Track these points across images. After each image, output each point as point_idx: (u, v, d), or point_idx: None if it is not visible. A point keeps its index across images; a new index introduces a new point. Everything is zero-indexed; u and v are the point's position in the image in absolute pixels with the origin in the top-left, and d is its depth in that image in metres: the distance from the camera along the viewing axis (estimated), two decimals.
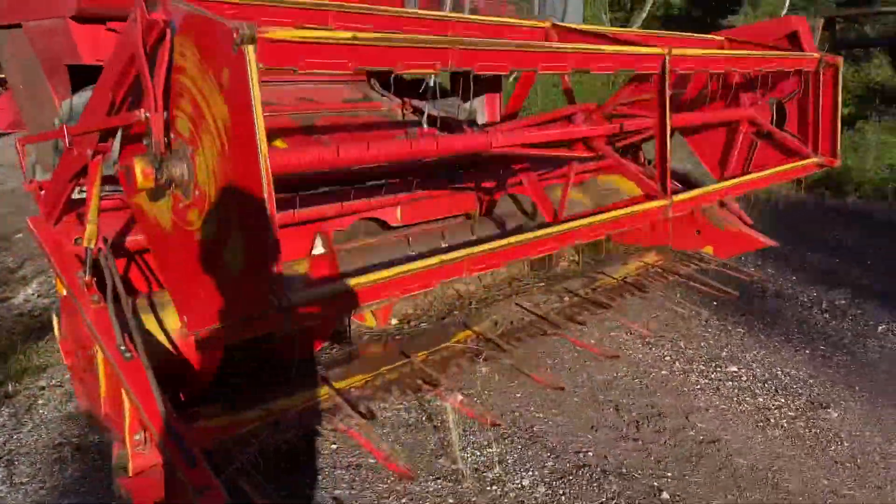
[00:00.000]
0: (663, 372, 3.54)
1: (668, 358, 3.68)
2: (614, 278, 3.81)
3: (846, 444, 2.94)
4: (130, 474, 1.99)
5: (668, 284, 4.13)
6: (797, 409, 3.22)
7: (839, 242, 5.87)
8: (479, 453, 2.75)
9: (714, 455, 2.83)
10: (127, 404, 1.94)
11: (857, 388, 3.43)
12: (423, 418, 2.94)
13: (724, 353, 3.77)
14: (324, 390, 2.58)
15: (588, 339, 3.71)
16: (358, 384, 2.65)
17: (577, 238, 2.30)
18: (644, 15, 15.20)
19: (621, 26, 13.10)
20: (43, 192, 2.32)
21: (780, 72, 3.33)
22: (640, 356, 3.69)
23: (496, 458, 2.72)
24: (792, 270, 5.04)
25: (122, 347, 1.96)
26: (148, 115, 1.57)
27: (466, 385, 3.13)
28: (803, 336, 4.03)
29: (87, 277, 2.12)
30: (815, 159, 3.30)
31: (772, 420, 3.12)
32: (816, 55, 3.42)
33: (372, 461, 2.67)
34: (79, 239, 2.37)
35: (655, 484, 2.63)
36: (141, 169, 1.57)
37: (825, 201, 7.69)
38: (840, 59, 3.41)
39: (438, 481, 2.58)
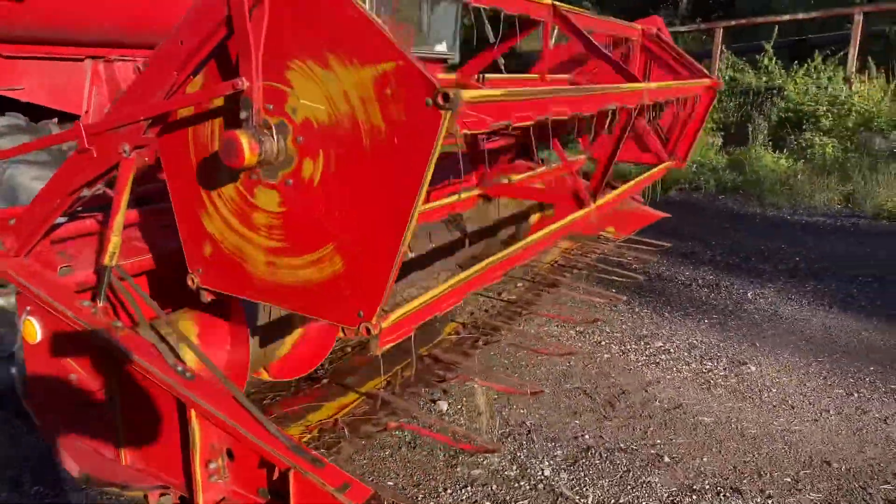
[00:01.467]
0: (606, 355, 3.84)
1: (603, 343, 4.00)
2: (546, 263, 4.06)
3: (774, 391, 3.44)
4: None
5: (579, 274, 4.48)
6: (724, 369, 3.69)
7: (681, 229, 6.75)
8: (491, 455, 2.79)
9: (684, 418, 3.15)
10: (197, 431, 1.70)
11: (757, 344, 4.02)
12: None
13: (645, 332, 4.18)
14: (353, 396, 2.48)
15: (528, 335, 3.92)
16: (381, 385, 2.57)
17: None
18: None
19: None
20: (14, 220, 1.96)
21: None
22: (580, 344, 3.97)
23: (508, 457, 2.78)
24: (659, 255, 5.71)
25: (180, 368, 1.73)
26: (248, 83, 1.40)
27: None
28: (696, 309, 4.60)
29: (103, 303, 1.84)
30: (706, 81, 3.80)
31: (711, 381, 3.54)
32: (638, 26, 4.00)
33: (391, 484, 2.58)
34: (65, 268, 2.04)
35: (653, 451, 2.86)
36: (247, 143, 1.38)
37: (651, 195, 8.75)
38: (660, 21, 4.06)
39: (467, 489, 2.58)
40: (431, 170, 1.33)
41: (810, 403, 3.30)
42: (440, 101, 1.25)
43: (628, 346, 3.95)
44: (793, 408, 3.26)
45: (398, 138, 1.33)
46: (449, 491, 2.56)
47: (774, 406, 3.28)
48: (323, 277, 1.46)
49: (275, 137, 1.45)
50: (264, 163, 1.46)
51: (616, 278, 4.09)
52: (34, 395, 2.13)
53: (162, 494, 1.86)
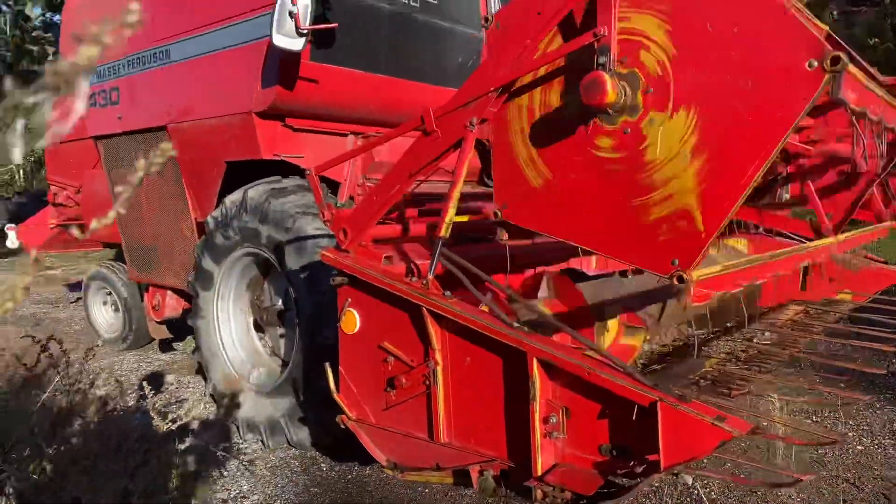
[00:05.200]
0: (859, 447, 3.46)
1: (851, 434, 3.61)
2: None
3: None
4: (540, 472, 1.71)
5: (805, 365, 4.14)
6: None
7: None
8: None
9: None
10: (537, 383, 1.68)
11: None
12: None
13: (886, 426, 3.74)
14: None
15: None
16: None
17: None
18: None
19: None
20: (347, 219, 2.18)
21: None
22: (820, 433, 3.61)
23: None
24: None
25: (517, 324, 1.76)
26: (607, 31, 1.55)
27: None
28: None
29: (433, 274, 1.92)
30: None
31: None
32: None
33: None
34: (388, 258, 2.22)
35: None
36: (610, 82, 1.49)
37: None
38: None
39: None
40: (788, 137, 1.34)
41: None
42: (827, 64, 1.28)
43: (883, 441, 3.52)
44: None
45: (767, 97, 1.36)
46: None
47: None
48: (644, 224, 1.51)
49: (627, 88, 1.55)
50: (614, 106, 1.54)
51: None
52: (346, 388, 2.24)
53: (482, 470, 1.84)
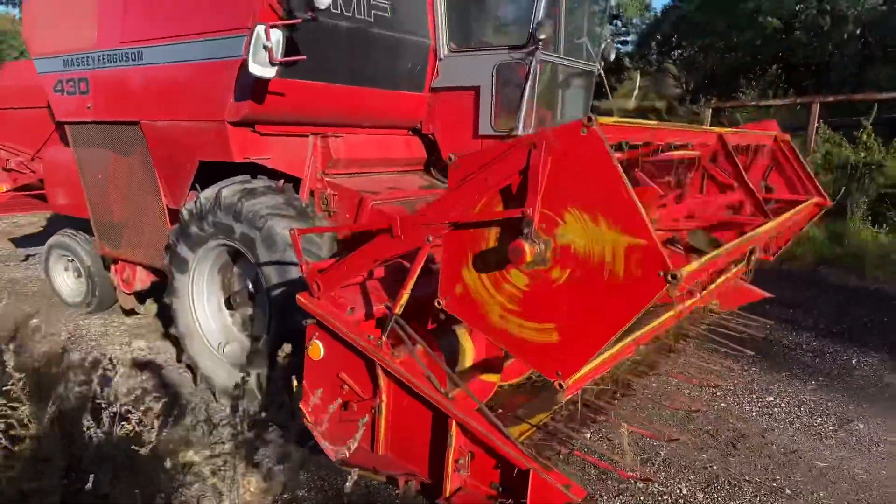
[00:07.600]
0: (723, 404, 4.34)
1: (719, 394, 4.50)
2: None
3: (882, 447, 3.82)
4: (447, 494, 2.44)
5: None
6: (833, 424, 4.10)
7: (781, 297, 7.10)
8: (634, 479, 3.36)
9: (800, 462, 3.60)
10: (453, 437, 2.40)
11: (863, 405, 4.39)
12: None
13: (756, 388, 4.64)
14: (525, 426, 3.11)
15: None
16: (546, 420, 3.19)
17: None
18: None
19: None
20: (322, 272, 2.74)
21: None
22: (698, 394, 4.48)
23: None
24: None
25: (444, 390, 2.44)
26: (531, 211, 2.14)
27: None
28: (802, 371, 5.00)
29: (385, 338, 2.58)
30: (816, 199, 4.34)
31: (822, 434, 3.97)
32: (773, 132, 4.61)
33: None
34: (352, 309, 2.81)
35: (775, 484, 3.35)
36: (529, 249, 2.07)
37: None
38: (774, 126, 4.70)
39: (620, 497, 3.15)
40: (639, 314, 2.00)
41: None
42: (669, 278, 1.91)
43: (741, 399, 4.43)
44: None
45: (627, 285, 1.95)
46: (605, 497, 3.14)
47: (883, 458, 3.68)
48: (539, 341, 2.11)
49: (543, 247, 2.15)
50: (530, 264, 2.14)
51: (727, 351, 4.61)
52: (307, 399, 2.88)
53: (407, 480, 2.57)
